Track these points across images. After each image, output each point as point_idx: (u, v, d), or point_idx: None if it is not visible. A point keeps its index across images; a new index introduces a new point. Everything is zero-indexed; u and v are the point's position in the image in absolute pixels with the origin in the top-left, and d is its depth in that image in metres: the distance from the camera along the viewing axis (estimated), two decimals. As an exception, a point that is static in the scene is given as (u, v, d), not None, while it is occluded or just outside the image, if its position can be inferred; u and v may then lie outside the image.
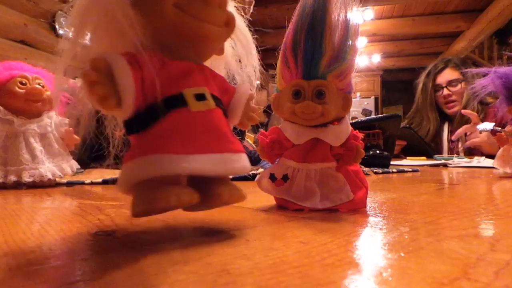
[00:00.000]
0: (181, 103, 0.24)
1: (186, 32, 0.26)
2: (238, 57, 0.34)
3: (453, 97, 1.65)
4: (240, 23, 0.33)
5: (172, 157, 0.23)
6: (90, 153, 0.87)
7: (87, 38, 0.26)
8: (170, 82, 0.25)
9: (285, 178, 0.37)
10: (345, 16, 0.36)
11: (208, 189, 0.25)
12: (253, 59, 0.33)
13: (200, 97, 0.25)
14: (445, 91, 1.67)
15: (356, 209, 0.36)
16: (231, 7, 0.31)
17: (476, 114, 1.38)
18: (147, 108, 0.24)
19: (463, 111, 1.44)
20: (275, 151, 0.38)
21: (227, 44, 0.33)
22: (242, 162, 0.26)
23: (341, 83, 0.36)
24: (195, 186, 0.24)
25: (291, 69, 0.36)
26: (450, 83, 1.66)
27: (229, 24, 0.28)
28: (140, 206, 0.23)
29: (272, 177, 0.38)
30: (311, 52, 0.35)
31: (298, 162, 0.37)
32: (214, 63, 0.32)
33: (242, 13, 0.33)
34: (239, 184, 0.27)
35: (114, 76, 0.22)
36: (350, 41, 0.35)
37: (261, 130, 0.42)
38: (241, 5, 0.33)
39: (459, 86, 1.64)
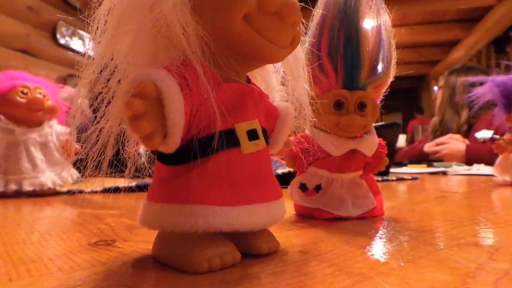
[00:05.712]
0: (232, 142, 0.21)
1: (247, 50, 0.22)
2: (281, 74, 0.28)
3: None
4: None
5: (218, 210, 0.20)
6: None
7: (120, 46, 0.21)
8: (221, 112, 0.21)
9: (318, 188, 0.36)
10: (378, 24, 0.35)
11: (245, 239, 0.23)
12: (301, 80, 0.27)
13: (252, 134, 0.22)
14: None
15: (376, 216, 0.37)
16: None
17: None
18: (190, 142, 0.20)
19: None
20: (306, 161, 0.36)
21: None
22: (282, 209, 0.25)
23: (377, 94, 0.36)
24: (232, 235, 0.22)
25: (330, 76, 0.34)
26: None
27: (293, 42, 0.24)
28: (179, 266, 0.20)
29: (303, 187, 0.37)
30: (351, 62, 0.34)
31: (333, 172, 0.36)
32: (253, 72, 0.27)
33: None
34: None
35: (165, 107, 0.18)
36: (385, 50, 0.35)
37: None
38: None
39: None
